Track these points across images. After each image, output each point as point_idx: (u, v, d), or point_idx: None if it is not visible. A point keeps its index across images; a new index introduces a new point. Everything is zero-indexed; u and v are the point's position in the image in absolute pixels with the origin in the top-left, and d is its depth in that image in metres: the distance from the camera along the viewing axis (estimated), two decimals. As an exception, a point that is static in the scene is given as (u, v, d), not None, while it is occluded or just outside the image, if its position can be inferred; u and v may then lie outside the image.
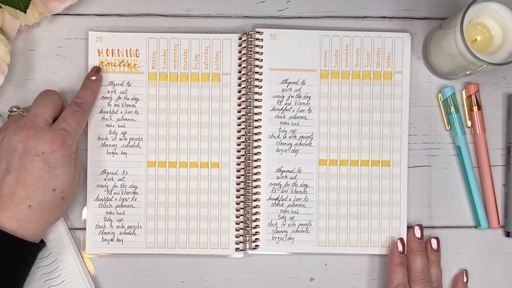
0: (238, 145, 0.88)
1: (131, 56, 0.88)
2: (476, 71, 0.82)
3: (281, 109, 0.88)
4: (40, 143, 0.76)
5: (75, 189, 0.80)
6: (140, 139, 0.88)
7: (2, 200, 0.75)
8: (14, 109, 0.81)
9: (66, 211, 0.83)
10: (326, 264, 0.89)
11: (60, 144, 0.77)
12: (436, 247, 0.86)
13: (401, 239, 0.86)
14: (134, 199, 0.87)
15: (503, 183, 0.90)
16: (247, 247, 0.88)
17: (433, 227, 0.89)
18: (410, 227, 0.88)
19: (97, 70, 0.86)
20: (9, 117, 0.82)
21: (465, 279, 0.88)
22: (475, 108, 0.88)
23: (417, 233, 0.86)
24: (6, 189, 0.75)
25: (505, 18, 0.81)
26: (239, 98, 0.88)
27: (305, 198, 0.88)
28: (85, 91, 0.84)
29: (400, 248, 0.86)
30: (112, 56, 0.88)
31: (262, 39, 0.88)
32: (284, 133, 0.88)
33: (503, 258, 0.89)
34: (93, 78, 0.85)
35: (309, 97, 0.88)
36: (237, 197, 0.88)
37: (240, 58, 0.88)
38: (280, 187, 0.88)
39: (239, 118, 0.88)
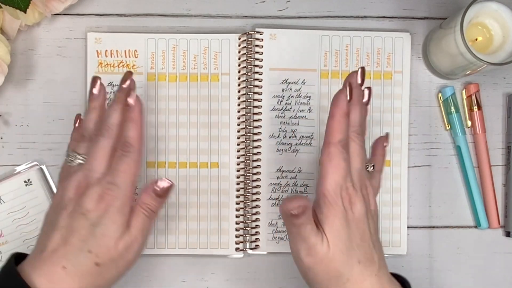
0: (238, 145, 0.88)
1: (129, 57, 0.88)
2: (476, 71, 0.82)
3: (281, 109, 0.88)
4: (88, 201, 0.69)
5: (117, 259, 0.70)
6: (139, 140, 0.88)
7: (43, 255, 0.68)
8: (72, 158, 0.74)
9: (106, 285, 0.71)
10: (326, 264, 0.89)
11: (107, 200, 0.69)
12: (367, 100, 0.74)
13: (350, 84, 0.71)
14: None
15: (503, 183, 0.90)
16: (247, 247, 0.88)
17: (433, 227, 0.89)
18: (410, 227, 0.88)
19: (129, 93, 0.73)
20: (65, 163, 0.76)
21: (385, 144, 0.78)
22: (475, 108, 0.88)
23: (360, 77, 0.72)
24: (50, 245, 0.68)
25: (505, 18, 0.81)
26: (239, 98, 0.88)
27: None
28: (126, 127, 0.72)
29: (348, 93, 0.70)
30: (111, 57, 0.88)
31: (262, 39, 0.88)
32: (284, 133, 0.88)
33: (503, 258, 0.89)
34: (130, 102, 0.73)
35: (309, 97, 0.88)
36: (237, 197, 0.88)
37: (239, 58, 0.88)
38: (280, 187, 0.88)
39: (238, 118, 0.88)
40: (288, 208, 0.67)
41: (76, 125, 0.79)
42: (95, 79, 0.77)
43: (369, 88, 0.74)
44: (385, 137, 0.79)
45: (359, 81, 0.72)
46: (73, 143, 0.76)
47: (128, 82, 0.74)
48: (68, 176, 0.72)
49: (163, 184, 0.72)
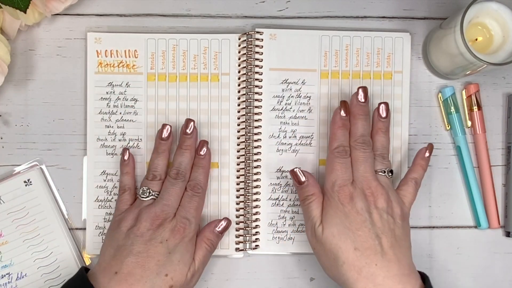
0: (238, 145, 0.88)
1: (129, 57, 0.88)
2: (476, 71, 0.82)
3: (281, 109, 0.88)
4: (166, 232, 0.79)
5: (185, 286, 0.81)
6: (139, 140, 0.88)
7: (118, 277, 0.77)
8: (146, 194, 0.83)
9: None
10: (326, 264, 0.89)
11: (181, 232, 0.80)
12: (384, 114, 0.83)
13: (344, 102, 0.83)
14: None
15: (503, 183, 0.90)
16: (247, 247, 0.88)
17: (433, 227, 0.89)
18: (410, 227, 0.87)
19: (202, 144, 0.85)
20: (139, 197, 0.83)
21: (426, 154, 0.85)
22: (475, 108, 0.88)
23: (360, 96, 0.82)
24: (125, 268, 0.77)
25: (505, 18, 0.81)
26: (239, 98, 0.88)
27: (307, 199, 0.88)
28: (197, 171, 0.84)
29: (342, 111, 0.82)
30: (111, 57, 0.88)
31: (262, 39, 0.88)
32: (284, 133, 0.88)
33: (503, 258, 0.89)
34: (202, 154, 0.84)
35: (309, 97, 0.88)
36: (237, 197, 0.88)
37: (239, 58, 0.88)
38: (281, 187, 0.88)
39: (238, 118, 0.88)
40: (303, 193, 0.82)
41: (125, 158, 0.86)
42: (164, 126, 0.85)
43: (385, 103, 0.83)
44: (427, 148, 0.85)
45: (360, 99, 0.82)
46: (145, 181, 0.84)
47: (192, 128, 0.84)
48: (142, 208, 0.81)
49: (224, 224, 0.85)
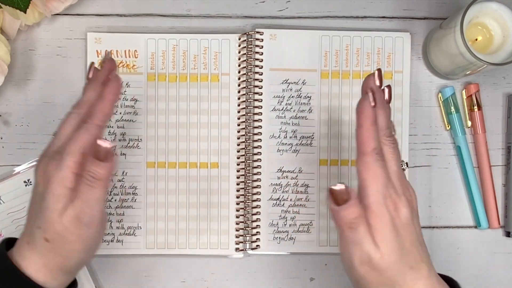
0: (238, 145, 0.88)
1: (129, 57, 0.88)
2: (476, 71, 0.82)
3: (282, 109, 0.88)
4: (37, 173, 0.68)
5: (65, 234, 0.65)
6: (139, 140, 0.88)
7: (22, 233, 0.68)
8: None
9: (68, 263, 0.67)
10: (326, 264, 0.89)
11: (51, 171, 0.65)
12: (388, 98, 0.70)
13: (372, 90, 0.67)
14: (134, 200, 0.87)
15: (503, 183, 0.90)
16: (247, 247, 0.88)
17: (433, 227, 0.89)
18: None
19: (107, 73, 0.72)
20: None
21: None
22: (475, 108, 0.88)
23: (377, 80, 0.69)
24: (27, 223, 0.68)
25: (505, 18, 0.81)
26: (239, 98, 0.88)
27: (306, 198, 0.88)
28: (98, 101, 0.70)
29: (371, 100, 0.66)
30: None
31: (262, 39, 0.88)
32: (285, 133, 0.88)
33: (503, 258, 0.89)
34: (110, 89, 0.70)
35: (310, 97, 0.88)
36: (237, 197, 0.88)
37: (239, 58, 0.88)
38: (281, 187, 0.88)
39: (238, 118, 0.88)
40: (346, 216, 0.65)
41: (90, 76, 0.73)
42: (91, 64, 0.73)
43: (388, 87, 0.71)
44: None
45: (377, 83, 0.69)
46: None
47: (108, 65, 0.72)
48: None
49: (101, 144, 0.65)
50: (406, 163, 0.77)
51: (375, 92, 0.67)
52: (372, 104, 0.66)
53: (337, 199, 0.65)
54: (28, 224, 0.68)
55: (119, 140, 0.88)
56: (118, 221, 0.87)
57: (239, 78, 0.88)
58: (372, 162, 0.65)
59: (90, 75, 0.72)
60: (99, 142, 0.65)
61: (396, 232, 0.65)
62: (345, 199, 0.64)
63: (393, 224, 0.65)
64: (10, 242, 0.69)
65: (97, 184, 0.65)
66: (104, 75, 0.71)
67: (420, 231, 0.68)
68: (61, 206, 0.64)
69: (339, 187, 0.64)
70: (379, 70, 0.69)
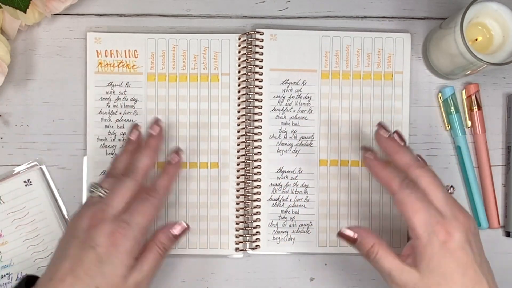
0: (238, 145, 0.88)
1: (129, 57, 0.88)
2: (476, 71, 0.82)
3: (282, 110, 0.88)
4: (100, 236, 0.70)
5: None
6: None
7: (51, 284, 0.69)
8: (94, 188, 0.76)
9: None
10: (326, 264, 0.89)
11: (118, 239, 0.71)
12: (403, 142, 0.78)
13: (364, 148, 0.79)
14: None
15: (503, 183, 0.90)
16: (247, 247, 0.88)
17: (433, 227, 0.89)
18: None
19: (177, 153, 0.83)
20: (88, 196, 0.77)
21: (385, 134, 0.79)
22: (475, 108, 0.88)
23: (383, 131, 0.78)
24: (59, 274, 0.69)
25: (505, 18, 0.81)
26: (239, 98, 0.88)
27: (305, 199, 0.88)
28: (161, 177, 0.79)
29: (371, 156, 0.77)
30: (111, 57, 0.88)
31: (263, 40, 0.88)
32: (285, 133, 0.88)
33: (503, 258, 0.89)
34: (172, 162, 0.81)
35: (310, 98, 0.88)
36: (237, 197, 0.88)
37: (239, 58, 0.88)
38: (281, 187, 0.88)
39: (238, 118, 0.88)
40: (364, 247, 0.73)
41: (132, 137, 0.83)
42: (135, 126, 0.83)
43: (396, 132, 0.78)
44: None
45: (385, 135, 0.78)
46: (101, 178, 0.78)
47: (158, 130, 0.82)
48: (87, 202, 0.75)
49: (179, 228, 0.77)
50: (451, 186, 0.76)
51: (382, 143, 0.78)
52: (372, 157, 0.77)
53: (349, 240, 0.74)
54: (72, 280, 0.69)
55: (119, 140, 0.88)
56: (118, 221, 0.87)
57: (239, 78, 0.88)
58: (405, 197, 0.71)
59: (133, 138, 0.82)
60: (178, 227, 0.77)
61: (445, 257, 0.69)
62: (355, 237, 0.74)
63: (441, 251, 0.68)
64: (30, 279, 0.73)
65: (165, 255, 0.76)
66: (157, 142, 0.81)
67: (479, 251, 0.71)
68: (126, 272, 0.71)
69: (342, 230, 0.75)
70: (379, 124, 0.79)
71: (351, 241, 0.74)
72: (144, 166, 0.77)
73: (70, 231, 0.73)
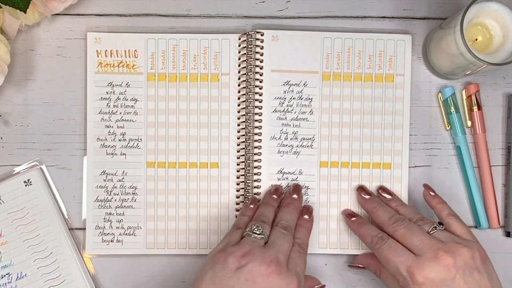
0: (238, 145, 0.88)
1: (129, 57, 0.88)
2: (476, 71, 0.82)
3: (283, 111, 0.88)
4: (281, 285, 0.73)
5: None
6: (139, 140, 0.88)
7: None
8: (260, 230, 0.79)
9: None
10: (326, 264, 0.89)
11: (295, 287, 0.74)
12: (389, 196, 0.86)
13: (345, 212, 0.88)
14: (134, 200, 0.87)
15: (503, 183, 0.90)
16: (247, 247, 0.88)
17: (433, 227, 0.89)
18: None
19: (308, 209, 0.86)
20: (246, 236, 0.78)
21: (431, 192, 0.86)
22: (475, 108, 0.88)
23: (364, 194, 0.87)
24: None
25: (505, 18, 0.81)
26: (239, 99, 0.88)
27: (306, 200, 0.88)
28: (302, 231, 0.82)
29: (349, 221, 0.87)
30: (111, 57, 0.88)
31: (263, 40, 0.88)
32: (286, 134, 0.88)
33: (503, 258, 0.89)
34: (306, 217, 0.85)
35: (311, 99, 0.88)
36: (237, 197, 0.88)
37: (239, 59, 0.88)
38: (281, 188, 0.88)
39: (239, 119, 0.88)
40: (369, 270, 0.86)
41: (251, 206, 0.86)
42: (277, 187, 0.88)
43: (381, 188, 0.88)
44: (427, 187, 0.86)
45: (365, 196, 0.86)
46: (259, 222, 0.80)
47: (300, 194, 0.86)
48: (256, 248, 0.76)
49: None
50: (439, 222, 0.80)
51: (365, 204, 0.86)
52: (351, 220, 0.86)
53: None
54: None
55: (119, 140, 0.88)
56: (118, 221, 0.87)
57: (239, 78, 0.88)
58: (377, 251, 0.79)
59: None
60: None
61: None
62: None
63: None
64: None
65: None
66: (300, 203, 0.87)
67: (472, 284, 0.75)
68: None
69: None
70: (361, 187, 0.88)
71: (362, 267, 0.88)
72: (295, 224, 0.84)
73: (245, 274, 0.74)
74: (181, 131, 0.88)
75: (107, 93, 0.88)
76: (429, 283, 0.74)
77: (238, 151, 0.88)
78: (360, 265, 0.87)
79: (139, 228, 0.87)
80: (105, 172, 0.87)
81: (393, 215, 0.81)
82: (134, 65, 0.88)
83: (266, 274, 0.73)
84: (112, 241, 0.87)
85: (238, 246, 0.76)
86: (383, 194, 0.86)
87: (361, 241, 0.86)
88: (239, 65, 0.88)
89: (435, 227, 0.79)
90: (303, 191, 0.87)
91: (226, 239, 0.79)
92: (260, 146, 0.88)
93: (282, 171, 0.88)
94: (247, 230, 0.78)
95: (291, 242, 0.79)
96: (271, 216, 0.82)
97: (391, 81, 0.89)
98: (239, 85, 0.88)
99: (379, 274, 0.84)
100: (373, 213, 0.84)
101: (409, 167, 0.88)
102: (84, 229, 0.88)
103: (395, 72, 0.89)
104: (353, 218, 0.86)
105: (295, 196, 0.85)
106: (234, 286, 0.72)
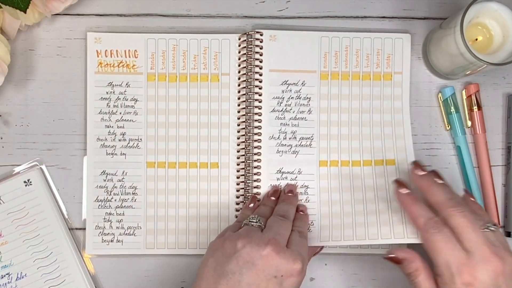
0: (238, 145, 0.88)
1: (129, 57, 0.88)
2: (476, 71, 0.82)
3: (281, 110, 0.88)
4: (283, 264, 0.72)
5: None
6: (139, 140, 0.88)
7: None
8: (255, 218, 0.78)
9: None
10: (326, 264, 0.89)
11: (299, 270, 0.73)
12: (437, 177, 0.78)
13: (396, 181, 0.80)
14: (134, 200, 0.87)
15: (503, 183, 0.90)
16: (247, 247, 0.88)
17: (433, 227, 0.89)
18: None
19: (303, 206, 0.87)
20: (244, 226, 0.78)
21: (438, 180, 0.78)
22: (475, 108, 0.88)
23: (418, 171, 0.79)
24: None
25: (505, 18, 0.81)
26: (239, 99, 0.88)
27: (306, 199, 0.87)
28: (300, 221, 0.82)
29: (404, 189, 0.79)
30: (111, 57, 0.88)
31: (262, 40, 0.88)
32: (284, 134, 0.88)
33: (503, 258, 0.89)
34: (302, 213, 0.85)
35: (309, 98, 0.88)
36: (237, 197, 0.88)
37: (239, 59, 0.88)
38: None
39: (238, 119, 0.88)
40: (407, 270, 0.75)
41: (251, 205, 0.85)
42: (276, 188, 0.88)
43: (433, 171, 0.79)
44: (435, 173, 0.80)
45: (419, 173, 0.79)
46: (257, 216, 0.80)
47: (296, 192, 0.86)
48: (251, 232, 0.75)
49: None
50: (494, 224, 0.73)
51: (417, 180, 0.78)
52: (407, 192, 0.78)
53: (395, 261, 0.77)
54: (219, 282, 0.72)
55: (119, 140, 0.88)
56: (118, 221, 0.87)
57: (239, 78, 0.88)
58: (429, 237, 0.73)
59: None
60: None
61: None
62: (401, 258, 0.76)
63: None
64: None
65: None
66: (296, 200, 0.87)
67: None
68: None
69: (391, 255, 0.77)
70: (414, 163, 0.80)
71: (396, 262, 0.77)
72: (293, 215, 0.83)
73: (244, 257, 0.73)
74: (181, 131, 0.88)
75: (107, 93, 0.88)
76: (477, 284, 0.69)
77: (238, 151, 0.88)
78: (396, 258, 0.77)
79: (139, 228, 0.87)
80: (105, 172, 0.87)
81: (454, 197, 0.75)
82: (134, 65, 0.88)
83: (264, 255, 0.72)
84: (112, 241, 0.87)
85: (235, 232, 0.76)
86: (435, 179, 0.78)
87: (367, 236, 0.86)
88: (239, 65, 0.88)
89: (488, 226, 0.72)
90: (302, 190, 0.87)
91: (225, 229, 0.80)
92: (260, 146, 0.88)
93: (281, 170, 0.88)
94: (244, 221, 0.78)
95: (289, 228, 0.78)
96: (269, 214, 0.81)
97: (389, 79, 0.89)
98: (239, 85, 0.88)
99: (414, 277, 0.75)
100: (429, 190, 0.76)
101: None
102: (84, 229, 0.87)
103: (393, 71, 0.89)
104: (406, 191, 0.78)
105: (289, 194, 0.85)
106: (234, 270, 0.72)
